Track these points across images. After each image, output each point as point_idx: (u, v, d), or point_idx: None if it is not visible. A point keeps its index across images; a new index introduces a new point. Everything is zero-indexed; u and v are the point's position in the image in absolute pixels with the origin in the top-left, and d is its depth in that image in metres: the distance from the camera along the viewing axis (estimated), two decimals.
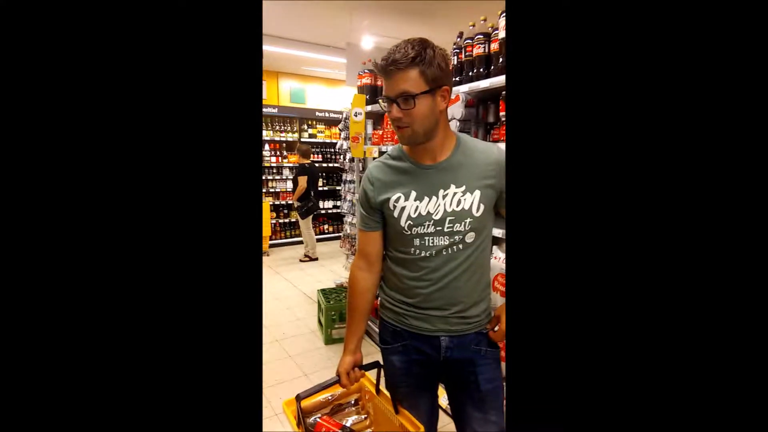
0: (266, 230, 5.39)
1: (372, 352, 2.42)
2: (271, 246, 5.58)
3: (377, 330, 2.66)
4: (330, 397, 1.19)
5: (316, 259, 5.02)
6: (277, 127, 5.88)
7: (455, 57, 1.94)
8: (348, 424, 1.14)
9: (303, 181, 4.65)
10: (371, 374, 1.16)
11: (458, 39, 1.97)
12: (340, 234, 5.56)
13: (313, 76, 6.22)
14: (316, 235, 6.01)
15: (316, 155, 6.08)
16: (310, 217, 4.87)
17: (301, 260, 5.04)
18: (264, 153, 5.80)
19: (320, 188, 5.32)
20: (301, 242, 5.21)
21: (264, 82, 5.89)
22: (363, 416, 1.18)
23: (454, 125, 1.86)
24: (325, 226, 6.19)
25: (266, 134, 5.76)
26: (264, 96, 5.93)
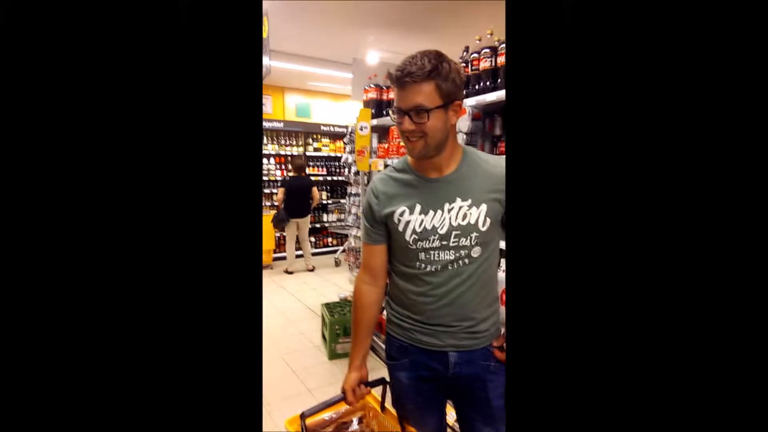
0: (269, 243, 5.38)
1: (377, 367, 2.38)
2: (275, 259, 5.56)
3: (382, 345, 2.63)
4: (334, 415, 1.16)
5: (292, 273, 5.05)
6: (283, 141, 5.93)
7: (462, 71, 1.95)
8: None
9: (280, 192, 4.83)
10: (376, 391, 1.13)
11: (464, 53, 1.98)
12: (343, 247, 5.61)
13: (318, 91, 6.29)
14: (320, 248, 6.02)
15: (320, 168, 6.12)
16: (293, 230, 4.93)
17: (308, 270, 5.09)
18: (269, 167, 5.83)
19: (322, 201, 5.35)
20: (303, 255, 5.23)
21: (270, 97, 5.96)
22: None
23: (460, 138, 1.85)
24: (329, 239, 6.18)
25: (272, 148, 5.80)
26: (270, 110, 5.99)
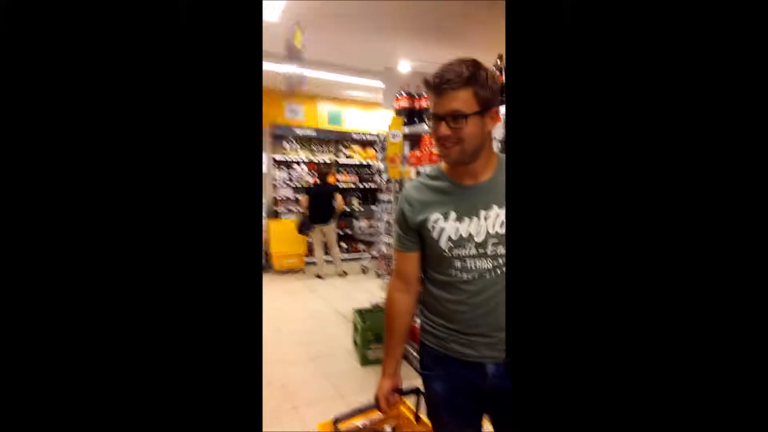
0: (301, 248, 5.49)
1: (410, 377, 2.37)
2: (307, 264, 5.65)
3: (415, 354, 2.61)
4: (367, 423, 1.17)
5: (322, 277, 5.10)
6: (315, 149, 6.05)
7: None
8: None
9: (304, 200, 4.97)
10: (410, 400, 1.13)
11: (498, 61, 1.97)
12: (370, 254, 5.62)
13: (349, 99, 6.38)
14: (351, 253, 6.07)
15: (351, 175, 6.19)
16: (318, 236, 5.04)
17: (338, 275, 5.14)
18: (302, 173, 5.96)
19: (345, 208, 5.39)
20: (333, 260, 5.29)
21: (302, 105, 6.11)
22: None
23: (495, 145, 1.84)
24: (360, 245, 6.22)
25: (304, 155, 5.93)
26: (302, 118, 6.13)
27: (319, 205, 4.95)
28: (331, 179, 5.13)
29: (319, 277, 5.13)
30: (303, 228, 5.01)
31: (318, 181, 5.11)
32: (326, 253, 5.26)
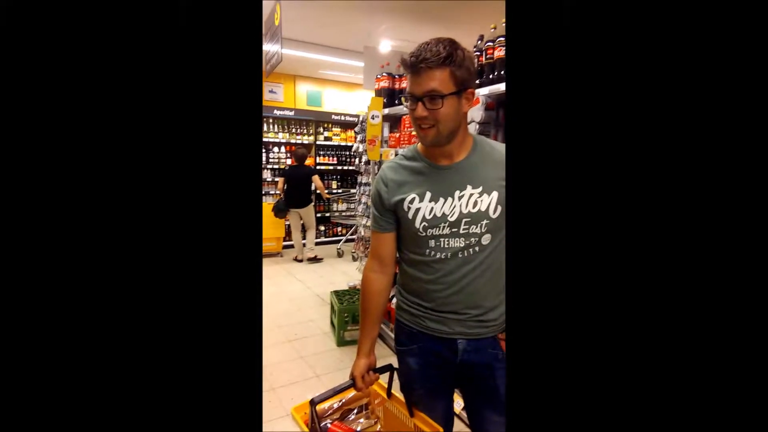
0: (279, 231, 5.43)
1: (384, 355, 2.40)
2: (285, 247, 5.61)
3: (390, 333, 2.65)
4: (339, 403, 1.18)
5: (315, 258, 5.03)
6: (294, 130, 5.93)
7: (476, 60, 1.93)
8: (358, 429, 1.13)
9: (280, 182, 4.90)
10: (382, 378, 1.14)
11: (479, 42, 1.96)
12: (344, 237, 5.60)
13: (329, 79, 6.26)
14: (329, 237, 6.04)
15: (331, 158, 6.11)
16: (296, 219, 4.95)
17: (308, 259, 5.06)
18: (280, 155, 5.85)
19: (328, 192, 5.27)
20: (317, 244, 5.24)
21: (281, 85, 5.96)
22: (373, 421, 1.17)
23: (473, 128, 1.84)
24: (339, 228, 6.20)
25: (282, 137, 5.81)
26: (281, 98, 5.98)
27: (295, 188, 4.82)
28: (309, 161, 4.99)
29: (297, 260, 5.09)
30: (278, 212, 4.92)
31: (295, 163, 4.97)
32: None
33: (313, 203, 4.98)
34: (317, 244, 5.40)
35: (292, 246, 5.34)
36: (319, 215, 5.48)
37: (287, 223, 5.40)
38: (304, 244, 5.13)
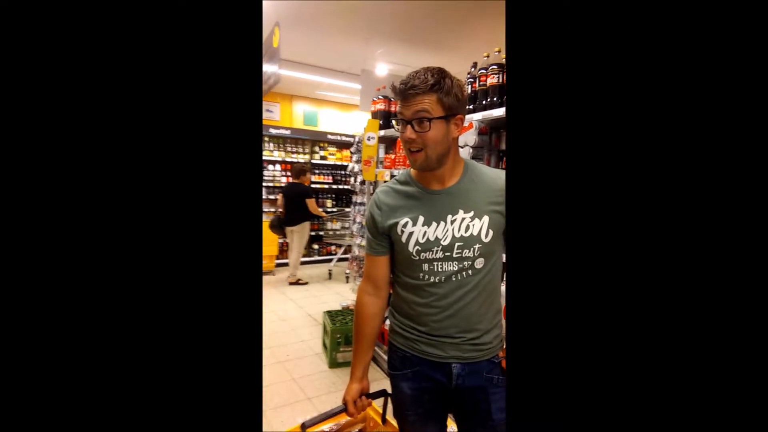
0: (273, 249, 5.39)
1: (377, 379, 2.37)
2: (278, 266, 5.57)
3: (383, 356, 2.61)
4: (334, 427, 1.16)
5: (297, 282, 4.85)
6: (290, 149, 5.98)
7: (469, 86, 1.98)
8: None
9: (279, 198, 4.85)
10: (377, 403, 1.13)
11: (472, 69, 2.01)
12: (347, 256, 5.55)
13: (326, 100, 6.35)
14: (323, 255, 5.99)
15: (326, 176, 6.13)
16: (293, 238, 4.79)
17: (290, 283, 4.87)
18: (275, 173, 5.87)
19: (321, 213, 5.12)
20: (310, 263, 5.13)
21: (278, 104, 6.03)
22: None
23: (467, 152, 1.87)
24: (333, 247, 6.19)
25: (278, 155, 5.85)
26: (277, 117, 6.05)
27: (289, 205, 4.72)
28: (305, 180, 4.90)
29: (289, 283, 4.96)
30: (273, 228, 4.86)
31: (291, 179, 4.91)
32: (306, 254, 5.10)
33: (306, 222, 4.83)
34: (310, 263, 5.30)
35: (285, 264, 5.28)
36: (313, 233, 5.44)
37: (280, 241, 5.36)
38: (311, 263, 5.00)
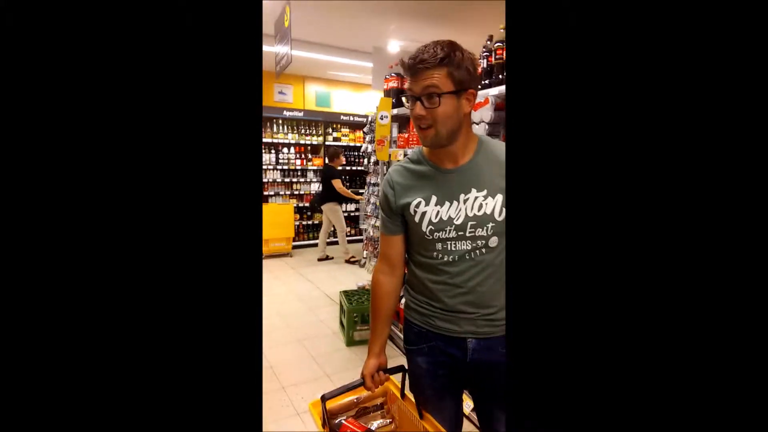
0: (290, 232, 5.47)
1: (395, 356, 2.41)
2: (295, 248, 5.65)
3: (400, 334, 2.65)
4: (356, 400, 1.19)
5: (350, 261, 5.08)
6: (303, 131, 5.97)
7: (485, 60, 1.92)
8: (373, 428, 1.14)
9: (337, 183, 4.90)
10: (396, 378, 1.15)
11: (488, 42, 1.95)
12: (361, 237, 5.61)
13: (338, 80, 6.29)
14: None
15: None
16: (326, 218, 5.08)
17: (346, 261, 5.11)
18: (289, 156, 5.89)
19: (349, 194, 5.21)
20: (330, 244, 5.32)
21: (290, 86, 6.00)
22: (388, 420, 1.18)
23: (482, 128, 1.83)
24: (349, 229, 6.23)
25: (292, 137, 5.85)
26: (290, 100, 6.03)
27: (323, 186, 5.00)
28: (338, 162, 4.99)
29: (319, 259, 5.20)
30: (312, 205, 5.17)
31: (326, 161, 5.13)
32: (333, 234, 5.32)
33: (332, 203, 4.97)
34: (330, 243, 5.43)
35: (302, 246, 5.38)
36: (344, 214, 5.52)
37: (296, 223, 5.48)
38: (330, 243, 5.21)
